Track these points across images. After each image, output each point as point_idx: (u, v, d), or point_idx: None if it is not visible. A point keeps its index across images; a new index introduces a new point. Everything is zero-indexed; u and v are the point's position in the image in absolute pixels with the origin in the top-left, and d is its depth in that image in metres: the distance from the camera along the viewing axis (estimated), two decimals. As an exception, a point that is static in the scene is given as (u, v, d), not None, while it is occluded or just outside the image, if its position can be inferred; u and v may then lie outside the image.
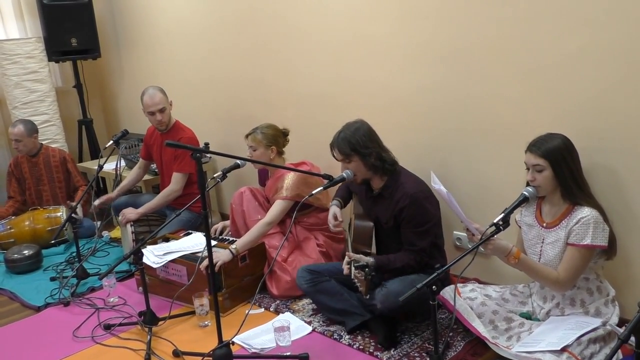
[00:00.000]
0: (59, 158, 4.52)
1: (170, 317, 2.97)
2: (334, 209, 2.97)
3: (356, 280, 2.56)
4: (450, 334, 2.66)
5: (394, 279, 2.66)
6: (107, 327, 2.99)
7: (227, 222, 3.64)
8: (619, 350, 1.69)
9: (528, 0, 2.60)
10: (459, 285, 2.62)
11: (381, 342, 2.63)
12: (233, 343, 2.50)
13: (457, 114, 3.00)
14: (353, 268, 2.56)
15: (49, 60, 5.04)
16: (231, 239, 3.43)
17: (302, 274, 2.92)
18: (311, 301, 3.03)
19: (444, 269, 2.22)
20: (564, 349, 2.13)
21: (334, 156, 2.78)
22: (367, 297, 2.60)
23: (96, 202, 3.86)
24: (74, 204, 3.78)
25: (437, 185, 2.33)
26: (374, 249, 2.93)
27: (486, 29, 2.78)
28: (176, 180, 3.80)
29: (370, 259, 2.60)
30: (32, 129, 4.39)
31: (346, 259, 2.65)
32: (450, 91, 3.00)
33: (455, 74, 2.96)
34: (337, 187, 2.96)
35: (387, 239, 2.83)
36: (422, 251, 2.67)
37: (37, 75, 4.97)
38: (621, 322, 2.35)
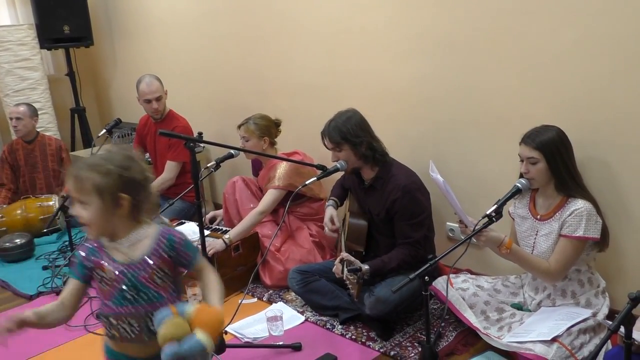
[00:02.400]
0: (54, 147, 4.50)
1: (163, 307, 2.97)
2: (330, 211, 2.95)
3: (348, 282, 2.57)
4: (442, 324, 2.67)
5: (382, 284, 2.65)
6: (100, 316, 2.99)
7: (218, 212, 3.64)
8: (609, 341, 1.71)
9: (523, -8, 2.61)
10: (451, 275, 2.63)
11: (379, 335, 2.64)
12: (226, 332, 2.51)
13: (452, 106, 3.00)
14: (345, 269, 2.56)
15: (41, 47, 4.99)
16: (224, 228, 3.43)
17: (292, 276, 2.91)
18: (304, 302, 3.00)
19: (437, 259, 2.23)
20: (554, 339, 2.15)
21: (324, 144, 2.78)
22: (357, 299, 2.61)
23: None
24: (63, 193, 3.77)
25: (434, 174, 2.33)
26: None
27: (481, 21, 2.78)
28: (169, 169, 3.79)
29: (365, 267, 2.59)
30: (34, 112, 4.42)
31: (339, 257, 2.66)
32: (445, 83, 3.00)
33: (450, 66, 2.96)
34: (330, 178, 2.95)
35: (378, 233, 2.82)
36: (417, 243, 2.67)
37: (29, 63, 4.93)
38: (611, 313, 2.37)
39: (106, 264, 1.70)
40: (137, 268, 1.69)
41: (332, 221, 2.90)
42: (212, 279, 1.79)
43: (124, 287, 1.68)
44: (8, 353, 2.74)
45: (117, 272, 1.68)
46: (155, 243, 1.71)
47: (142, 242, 1.71)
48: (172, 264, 1.74)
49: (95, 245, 1.74)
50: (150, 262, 1.69)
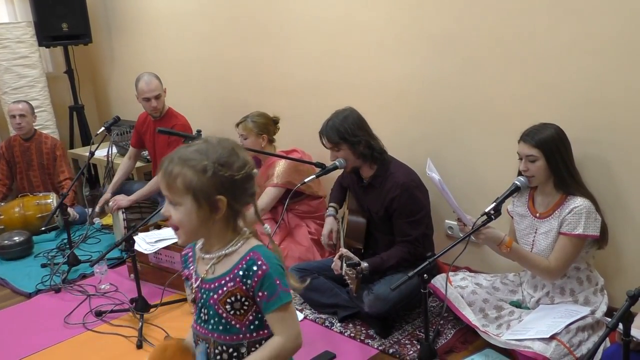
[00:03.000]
0: (50, 145, 4.49)
1: (162, 304, 2.97)
2: (330, 224, 2.93)
3: (347, 278, 2.57)
4: (441, 322, 2.67)
5: (380, 282, 2.65)
6: (99, 314, 2.99)
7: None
8: (607, 338, 1.71)
9: (522, -10, 2.60)
10: (450, 273, 2.63)
11: (378, 333, 2.64)
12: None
13: (451, 104, 3.00)
14: (344, 265, 2.56)
15: (40, 45, 4.97)
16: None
17: (291, 273, 2.90)
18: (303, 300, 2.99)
19: (435, 257, 2.23)
20: (553, 337, 2.16)
21: (323, 144, 2.78)
22: (356, 295, 2.61)
23: (97, 209, 3.94)
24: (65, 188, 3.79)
25: (430, 172, 2.33)
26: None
27: (481, 19, 2.78)
28: (168, 167, 3.78)
29: (364, 264, 2.60)
30: (33, 108, 4.42)
31: (338, 253, 2.66)
32: (443, 81, 3.00)
33: (449, 64, 2.96)
34: (329, 176, 2.95)
35: (377, 231, 2.83)
36: (416, 241, 2.67)
37: (27, 60, 4.91)
38: (609, 311, 2.37)
39: (193, 275, 1.51)
40: (210, 288, 1.45)
41: (329, 235, 2.90)
42: (270, 345, 1.45)
43: (199, 304, 1.48)
44: (7, 350, 2.75)
45: (195, 287, 1.48)
46: (238, 263, 1.43)
47: (230, 258, 1.45)
48: (249, 294, 1.44)
49: (189, 253, 1.55)
50: (224, 283, 1.43)
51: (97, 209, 3.94)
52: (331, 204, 3.06)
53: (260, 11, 3.86)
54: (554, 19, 2.53)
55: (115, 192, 3.94)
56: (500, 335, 2.33)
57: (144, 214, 3.84)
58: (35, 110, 4.70)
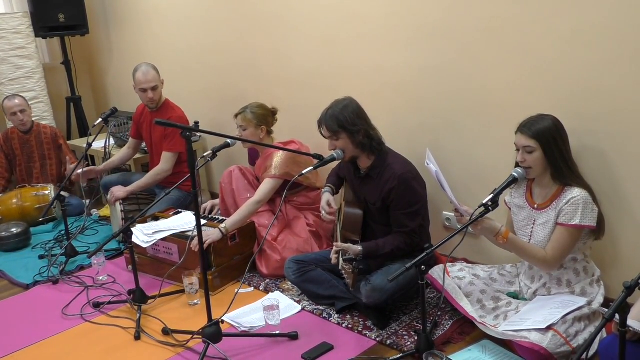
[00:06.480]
0: (50, 135, 4.49)
1: (160, 296, 2.98)
2: (327, 196, 2.94)
3: (344, 272, 2.57)
4: (439, 313, 2.68)
5: (378, 273, 2.65)
6: (97, 305, 2.99)
7: (217, 201, 3.64)
8: (603, 329, 1.72)
9: (521, -20, 2.59)
10: (447, 265, 2.63)
11: (375, 324, 2.65)
12: (222, 321, 2.51)
13: (448, 95, 3.00)
14: (341, 259, 2.56)
15: (36, 36, 4.95)
16: (221, 218, 3.43)
17: (289, 265, 2.91)
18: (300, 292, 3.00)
19: (433, 248, 2.23)
20: (549, 328, 2.16)
21: (321, 133, 2.77)
22: (353, 289, 2.61)
23: (79, 171, 3.73)
24: (69, 173, 3.75)
25: (429, 163, 2.33)
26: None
27: (478, 9, 2.77)
28: (166, 160, 3.78)
29: (358, 248, 2.60)
30: (27, 100, 4.40)
31: (335, 248, 2.66)
32: (441, 72, 2.99)
33: (447, 55, 2.95)
34: (327, 167, 2.94)
35: (374, 222, 2.82)
36: (413, 232, 2.68)
37: (24, 51, 4.89)
38: (606, 302, 2.38)
39: None
40: None
41: (328, 204, 2.90)
42: None
43: None
44: (5, 342, 2.75)
45: None
46: None
47: None
48: None
49: None
50: None
51: (79, 171, 3.73)
52: (328, 185, 3.06)
53: (259, 2, 3.84)
54: (552, 11, 2.52)
55: (113, 180, 3.94)
56: (497, 326, 2.34)
57: (142, 206, 3.84)
58: (33, 102, 4.70)
